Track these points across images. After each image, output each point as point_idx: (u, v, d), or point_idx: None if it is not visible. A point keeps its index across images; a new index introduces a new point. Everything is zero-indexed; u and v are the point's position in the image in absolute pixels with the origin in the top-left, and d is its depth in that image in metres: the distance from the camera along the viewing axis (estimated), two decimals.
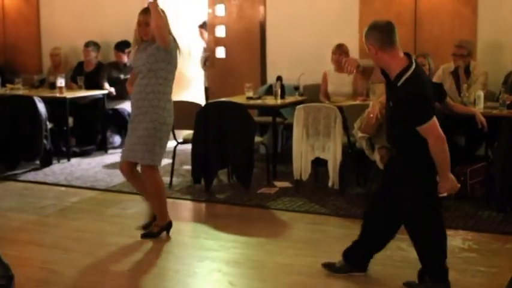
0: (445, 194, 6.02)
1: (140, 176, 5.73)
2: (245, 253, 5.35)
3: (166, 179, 7.43)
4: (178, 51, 5.57)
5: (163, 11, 5.43)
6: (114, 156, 8.90)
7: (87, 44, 9.60)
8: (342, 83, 8.03)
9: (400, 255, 5.08)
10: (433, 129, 4.14)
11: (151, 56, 5.44)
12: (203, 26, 9.97)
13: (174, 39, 5.54)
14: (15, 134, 8.05)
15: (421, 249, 4.44)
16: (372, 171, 6.87)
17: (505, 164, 6.15)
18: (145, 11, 5.48)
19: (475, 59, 7.66)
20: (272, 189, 7.18)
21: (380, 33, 4.20)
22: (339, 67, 8.10)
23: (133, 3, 9.80)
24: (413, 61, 4.21)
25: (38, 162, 8.30)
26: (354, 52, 8.37)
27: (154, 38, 5.45)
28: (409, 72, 4.15)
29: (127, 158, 5.61)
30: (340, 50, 8.03)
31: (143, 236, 5.61)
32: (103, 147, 9.33)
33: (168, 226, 5.68)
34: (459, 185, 4.40)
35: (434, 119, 4.15)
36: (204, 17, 9.90)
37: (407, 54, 4.25)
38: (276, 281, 4.77)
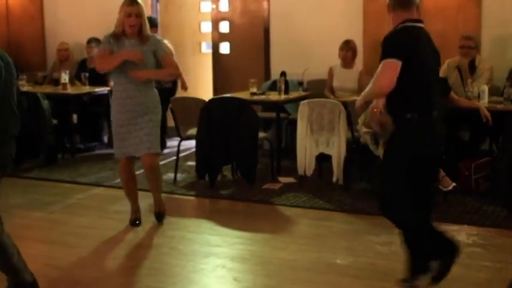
0: (450, 188, 6.03)
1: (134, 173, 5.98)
2: (250, 249, 5.35)
3: (170, 175, 7.46)
4: None
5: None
6: None
7: (89, 41, 9.60)
8: (347, 79, 8.04)
9: (399, 250, 5.07)
10: (385, 69, 4.05)
11: (150, 55, 5.66)
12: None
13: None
14: (19, 131, 8.04)
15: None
16: (376, 167, 6.87)
17: (510, 158, 6.14)
18: (133, 2, 5.63)
19: (479, 54, 7.64)
20: (276, 185, 7.18)
21: None
22: (345, 63, 8.11)
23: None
24: (415, 22, 4.21)
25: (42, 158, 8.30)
26: (359, 48, 8.35)
27: (140, 33, 5.64)
28: (401, 26, 4.18)
29: (141, 152, 5.73)
30: (348, 47, 8.03)
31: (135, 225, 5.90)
32: (108, 143, 9.34)
33: None
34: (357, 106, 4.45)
35: (395, 62, 4.01)
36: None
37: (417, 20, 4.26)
38: (280, 276, 4.77)
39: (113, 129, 5.82)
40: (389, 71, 4.03)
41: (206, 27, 10.07)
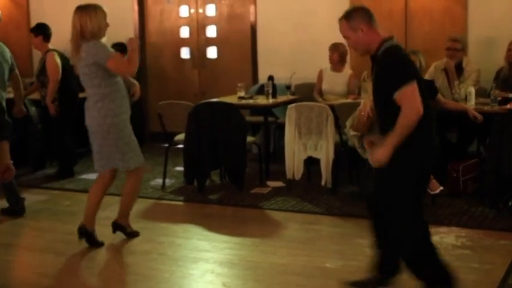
0: (436, 192, 6.06)
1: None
2: (239, 254, 5.34)
3: (159, 181, 7.44)
4: None
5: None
6: None
7: None
8: (336, 82, 8.08)
9: None
10: (410, 95, 3.84)
11: None
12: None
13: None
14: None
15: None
16: (365, 170, 6.89)
17: (498, 160, 6.16)
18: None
19: (466, 56, 7.67)
20: (265, 189, 7.17)
21: (366, 13, 4.11)
22: (334, 65, 8.15)
23: (125, 5, 9.83)
24: (394, 40, 4.10)
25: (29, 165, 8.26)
26: None
27: None
28: (391, 42, 4.05)
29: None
30: (334, 49, 8.08)
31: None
32: None
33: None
34: (381, 158, 3.96)
35: (415, 85, 3.87)
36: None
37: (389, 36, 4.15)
38: (270, 281, 4.76)
39: (125, 138, 5.43)
40: (415, 97, 3.86)
41: (185, 32, 9.99)
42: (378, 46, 4.05)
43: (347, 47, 8.11)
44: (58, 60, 7.69)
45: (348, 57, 8.44)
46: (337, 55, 8.09)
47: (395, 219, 4.11)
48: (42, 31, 7.85)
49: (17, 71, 6.87)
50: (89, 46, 5.26)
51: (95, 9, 5.30)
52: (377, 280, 4.40)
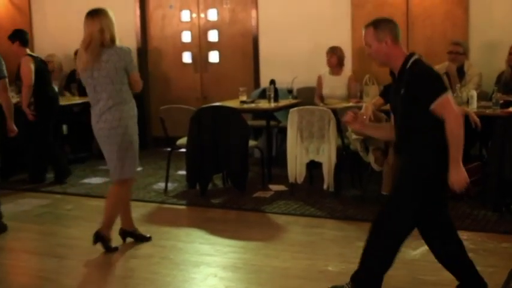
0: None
1: None
2: (241, 257, 5.34)
3: (161, 185, 7.45)
4: None
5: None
6: None
7: (76, 52, 9.60)
8: (336, 86, 8.09)
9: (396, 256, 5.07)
10: (449, 104, 3.88)
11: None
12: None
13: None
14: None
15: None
16: (367, 173, 6.89)
17: (500, 163, 6.15)
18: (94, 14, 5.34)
19: (468, 59, 7.68)
20: (267, 193, 7.17)
21: (395, 26, 4.10)
22: (332, 69, 8.16)
23: (127, 10, 9.85)
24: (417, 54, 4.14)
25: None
26: (347, 54, 8.39)
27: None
28: (415, 57, 4.05)
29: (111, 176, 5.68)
30: (332, 52, 8.09)
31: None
32: (98, 154, 9.31)
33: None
34: (468, 180, 4.11)
35: (450, 94, 3.93)
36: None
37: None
38: (273, 285, 4.76)
39: (134, 147, 5.45)
40: (454, 105, 3.93)
41: (187, 37, 10.00)
42: (404, 61, 4.04)
43: (343, 51, 8.16)
44: (32, 65, 7.68)
45: (349, 62, 8.47)
46: (336, 58, 8.11)
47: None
48: (18, 37, 7.90)
49: (5, 80, 6.47)
50: (120, 50, 5.28)
51: (110, 13, 5.33)
52: None
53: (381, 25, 4.07)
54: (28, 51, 7.88)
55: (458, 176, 4.03)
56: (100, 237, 5.48)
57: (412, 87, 3.97)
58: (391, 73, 4.25)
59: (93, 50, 5.23)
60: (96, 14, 5.28)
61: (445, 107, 3.89)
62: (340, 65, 8.17)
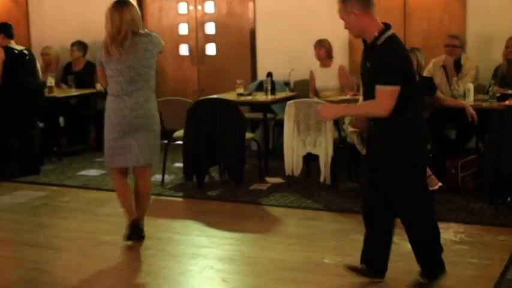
0: (435, 188, 6.09)
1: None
2: (238, 249, 5.35)
3: (158, 177, 7.44)
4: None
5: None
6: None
7: (73, 44, 9.64)
8: (327, 78, 8.13)
9: (392, 248, 5.08)
10: (387, 96, 4.04)
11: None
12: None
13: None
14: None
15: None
16: (363, 166, 6.88)
17: (496, 156, 6.16)
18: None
19: (465, 53, 7.68)
20: (264, 185, 7.18)
21: None
22: (322, 62, 8.18)
23: None
24: (392, 29, 4.21)
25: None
26: (344, 48, 8.41)
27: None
28: (390, 33, 4.13)
29: (142, 162, 5.42)
30: (320, 45, 8.12)
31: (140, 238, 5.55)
32: (95, 146, 9.33)
33: None
34: (328, 114, 4.40)
35: (396, 89, 4.03)
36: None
37: (385, 23, 4.24)
38: (269, 276, 4.77)
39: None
40: (390, 100, 4.08)
41: (183, 29, 9.97)
42: (378, 34, 4.11)
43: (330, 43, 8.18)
44: (2, 55, 7.71)
45: (347, 55, 8.47)
46: (324, 51, 8.15)
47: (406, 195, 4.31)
48: (3, 30, 7.94)
49: None
50: (153, 37, 5.36)
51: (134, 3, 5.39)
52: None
53: None
54: (12, 43, 7.90)
55: (328, 111, 4.34)
56: (138, 227, 5.45)
57: (376, 65, 4.11)
58: (363, 40, 4.27)
59: (127, 40, 5.21)
60: (125, 5, 5.28)
61: (381, 95, 4.06)
62: (329, 57, 8.21)
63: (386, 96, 4.04)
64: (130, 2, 5.33)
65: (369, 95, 4.22)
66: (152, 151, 5.42)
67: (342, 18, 4.23)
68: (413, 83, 4.19)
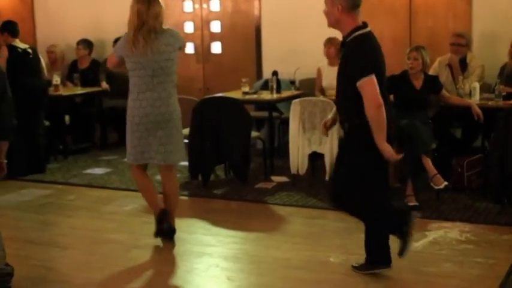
0: (441, 187, 6.11)
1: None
2: (243, 248, 5.35)
3: None
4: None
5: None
6: (111, 153, 8.91)
7: (78, 42, 9.65)
8: (335, 77, 8.01)
9: (396, 247, 5.08)
10: (369, 86, 4.17)
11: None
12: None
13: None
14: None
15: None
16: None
17: (502, 155, 6.15)
18: None
19: (471, 51, 7.66)
20: (269, 184, 7.18)
21: None
22: (330, 60, 8.15)
23: (129, 1, 9.82)
24: (368, 28, 4.31)
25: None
26: None
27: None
28: (361, 32, 4.25)
29: (168, 160, 5.39)
30: (330, 43, 8.07)
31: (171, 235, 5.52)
32: (100, 144, 9.35)
33: None
34: (399, 157, 4.37)
35: (374, 78, 4.17)
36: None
37: (364, 22, 4.34)
38: (273, 275, 4.77)
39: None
40: (373, 89, 4.24)
41: (189, 27, 9.97)
42: (349, 32, 4.26)
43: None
44: (6, 53, 7.76)
45: None
46: (333, 49, 8.08)
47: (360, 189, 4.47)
48: (7, 28, 8.02)
49: None
50: (174, 32, 5.38)
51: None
52: None
53: None
54: (17, 41, 7.92)
55: (385, 153, 4.29)
56: (167, 223, 5.44)
57: (348, 61, 4.28)
58: (342, 42, 4.47)
59: (151, 34, 5.19)
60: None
61: (364, 88, 4.19)
62: (338, 56, 8.16)
63: (368, 86, 4.17)
64: None
65: (339, 95, 4.45)
66: (176, 149, 5.40)
67: (325, 3, 4.38)
68: (380, 83, 4.24)
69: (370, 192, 4.46)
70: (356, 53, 4.24)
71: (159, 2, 5.26)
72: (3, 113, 4.53)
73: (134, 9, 5.24)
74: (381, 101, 4.19)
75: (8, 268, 4.45)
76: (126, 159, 5.59)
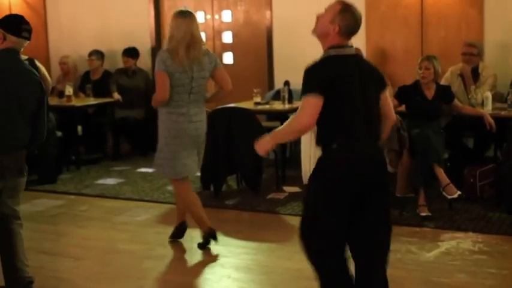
0: (454, 196, 6.06)
1: None
2: (255, 259, 5.35)
3: None
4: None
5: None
6: (123, 163, 8.93)
7: (90, 54, 9.68)
8: None
9: (410, 258, 5.07)
10: (305, 105, 3.61)
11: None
12: None
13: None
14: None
15: None
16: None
17: None
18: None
19: (483, 61, 7.65)
20: (281, 194, 7.18)
21: (355, 24, 3.88)
22: None
23: (141, 10, 9.88)
24: (345, 50, 3.90)
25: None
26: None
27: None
28: (335, 51, 3.85)
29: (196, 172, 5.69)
30: None
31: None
32: (112, 155, 9.37)
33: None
34: (265, 154, 3.96)
35: (313, 99, 3.59)
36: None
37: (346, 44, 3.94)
38: (285, 286, 4.77)
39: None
40: (308, 109, 3.66)
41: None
42: (324, 51, 3.90)
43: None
44: None
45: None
46: None
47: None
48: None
49: None
50: (211, 53, 5.55)
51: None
52: None
53: (347, 15, 3.83)
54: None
55: (261, 145, 3.96)
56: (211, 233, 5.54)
57: None
58: None
59: (195, 51, 5.26)
60: (191, 15, 5.36)
61: (301, 105, 3.64)
62: None
63: (302, 106, 3.64)
64: (193, 14, 5.42)
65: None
66: (200, 160, 5.57)
67: (322, 17, 3.93)
68: (342, 104, 3.66)
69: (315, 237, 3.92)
70: (310, 67, 3.84)
71: (195, 18, 5.40)
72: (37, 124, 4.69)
73: (181, 24, 5.27)
74: (306, 125, 3.68)
75: (31, 277, 4.56)
76: (163, 174, 5.71)
